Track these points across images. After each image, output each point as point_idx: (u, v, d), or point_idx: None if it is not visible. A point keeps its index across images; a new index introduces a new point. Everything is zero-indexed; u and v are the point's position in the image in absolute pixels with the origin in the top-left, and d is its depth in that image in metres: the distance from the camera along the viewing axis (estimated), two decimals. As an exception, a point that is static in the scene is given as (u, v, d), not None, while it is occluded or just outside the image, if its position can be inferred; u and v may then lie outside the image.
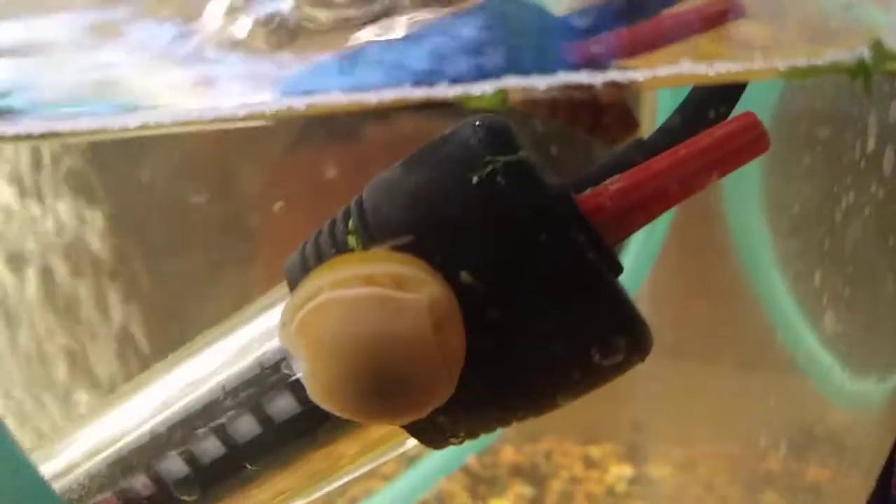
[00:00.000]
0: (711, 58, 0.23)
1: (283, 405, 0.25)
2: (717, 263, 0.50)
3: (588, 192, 0.24)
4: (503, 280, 0.22)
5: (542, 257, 0.22)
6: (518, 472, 0.54)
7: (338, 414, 0.23)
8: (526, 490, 0.53)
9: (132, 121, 0.24)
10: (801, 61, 0.23)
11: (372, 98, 0.23)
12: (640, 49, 0.24)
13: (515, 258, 0.22)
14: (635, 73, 0.22)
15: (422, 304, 0.22)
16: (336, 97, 0.23)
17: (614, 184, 0.23)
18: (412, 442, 0.26)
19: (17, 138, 0.25)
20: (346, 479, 0.28)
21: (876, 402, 0.41)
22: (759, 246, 0.44)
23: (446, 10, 0.24)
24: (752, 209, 0.42)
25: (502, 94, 0.22)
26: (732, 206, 0.43)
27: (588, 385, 0.24)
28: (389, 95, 0.23)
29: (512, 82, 0.22)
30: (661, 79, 0.22)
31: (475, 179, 0.22)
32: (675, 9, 0.25)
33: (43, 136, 0.26)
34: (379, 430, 0.26)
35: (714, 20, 0.24)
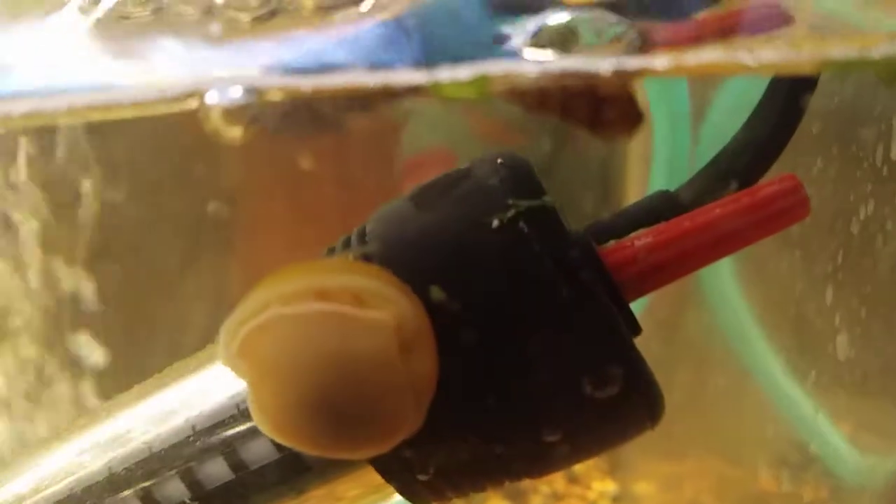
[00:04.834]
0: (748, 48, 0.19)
1: (258, 450, 0.23)
2: (713, 272, 0.48)
3: (612, 244, 0.21)
4: (510, 326, 0.21)
5: (561, 308, 0.20)
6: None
7: (289, 446, 0.21)
8: (506, 505, 0.51)
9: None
10: (852, 52, 0.19)
11: (338, 80, 0.20)
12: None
13: (534, 306, 0.20)
14: (653, 59, 0.18)
15: (386, 323, 0.19)
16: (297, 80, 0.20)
17: (642, 238, 0.21)
18: None
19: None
20: None
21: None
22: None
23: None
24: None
25: (482, 81, 0.19)
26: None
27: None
28: (343, 80, 0.19)
29: (494, 67, 0.19)
30: (686, 67, 0.19)
31: (495, 223, 0.20)
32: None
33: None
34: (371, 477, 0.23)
35: (761, 26, 0.21)
